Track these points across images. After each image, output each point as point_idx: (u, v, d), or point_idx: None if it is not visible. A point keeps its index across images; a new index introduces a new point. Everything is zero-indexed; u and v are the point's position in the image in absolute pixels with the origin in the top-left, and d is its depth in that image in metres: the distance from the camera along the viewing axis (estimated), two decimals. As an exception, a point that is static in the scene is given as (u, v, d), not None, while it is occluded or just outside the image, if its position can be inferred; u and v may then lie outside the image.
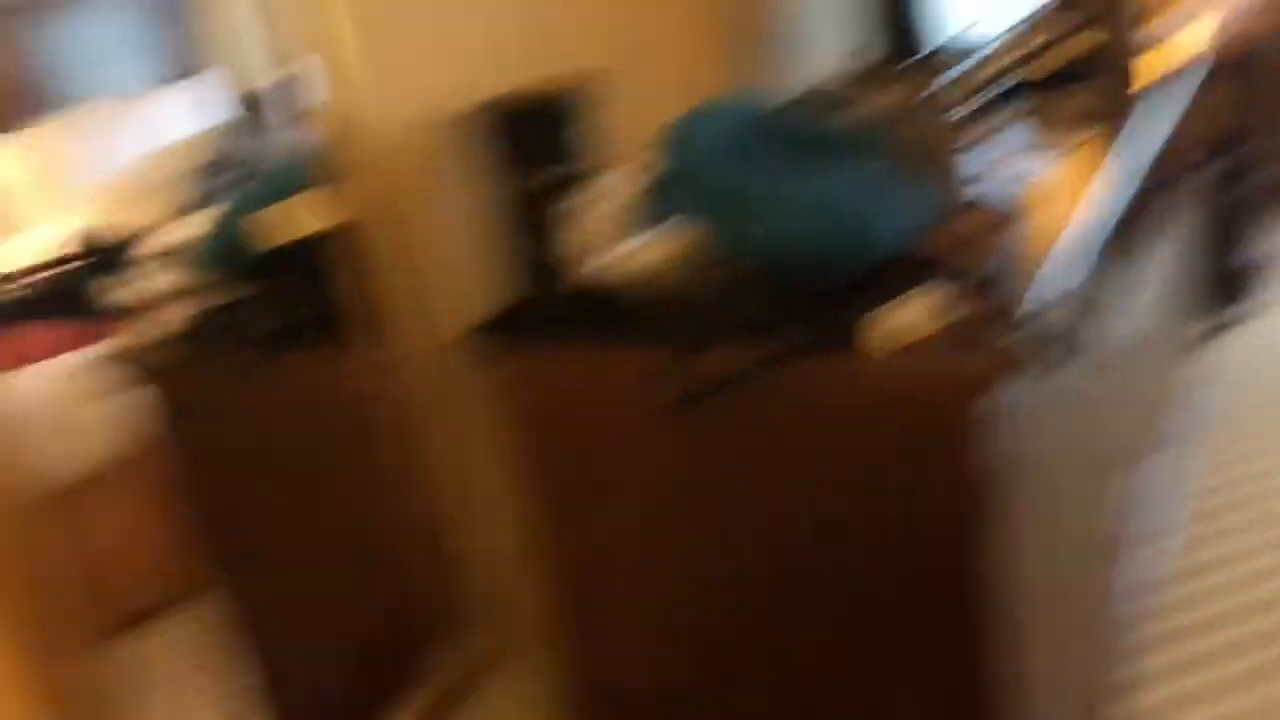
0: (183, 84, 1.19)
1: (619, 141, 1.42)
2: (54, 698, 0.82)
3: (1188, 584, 2.24)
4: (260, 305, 1.22)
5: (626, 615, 1.41)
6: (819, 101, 1.39)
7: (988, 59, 2.15)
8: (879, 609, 1.21)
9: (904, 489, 1.14)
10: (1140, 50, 2.09)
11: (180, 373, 1.19)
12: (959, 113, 1.30)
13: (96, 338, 1.11)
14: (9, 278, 1.03)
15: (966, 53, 2.00)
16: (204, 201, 1.19)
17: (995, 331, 1.10)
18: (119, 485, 1.12)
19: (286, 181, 1.24)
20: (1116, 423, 1.83)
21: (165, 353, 1.16)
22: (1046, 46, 2.13)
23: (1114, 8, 2.09)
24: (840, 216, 1.16)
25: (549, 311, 1.32)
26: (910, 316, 1.12)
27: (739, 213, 1.16)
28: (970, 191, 1.29)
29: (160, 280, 1.18)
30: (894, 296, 1.15)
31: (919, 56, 1.85)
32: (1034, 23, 2.26)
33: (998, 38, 2.22)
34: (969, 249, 1.27)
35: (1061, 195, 1.50)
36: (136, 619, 1.10)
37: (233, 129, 1.24)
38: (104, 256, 1.14)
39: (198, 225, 1.18)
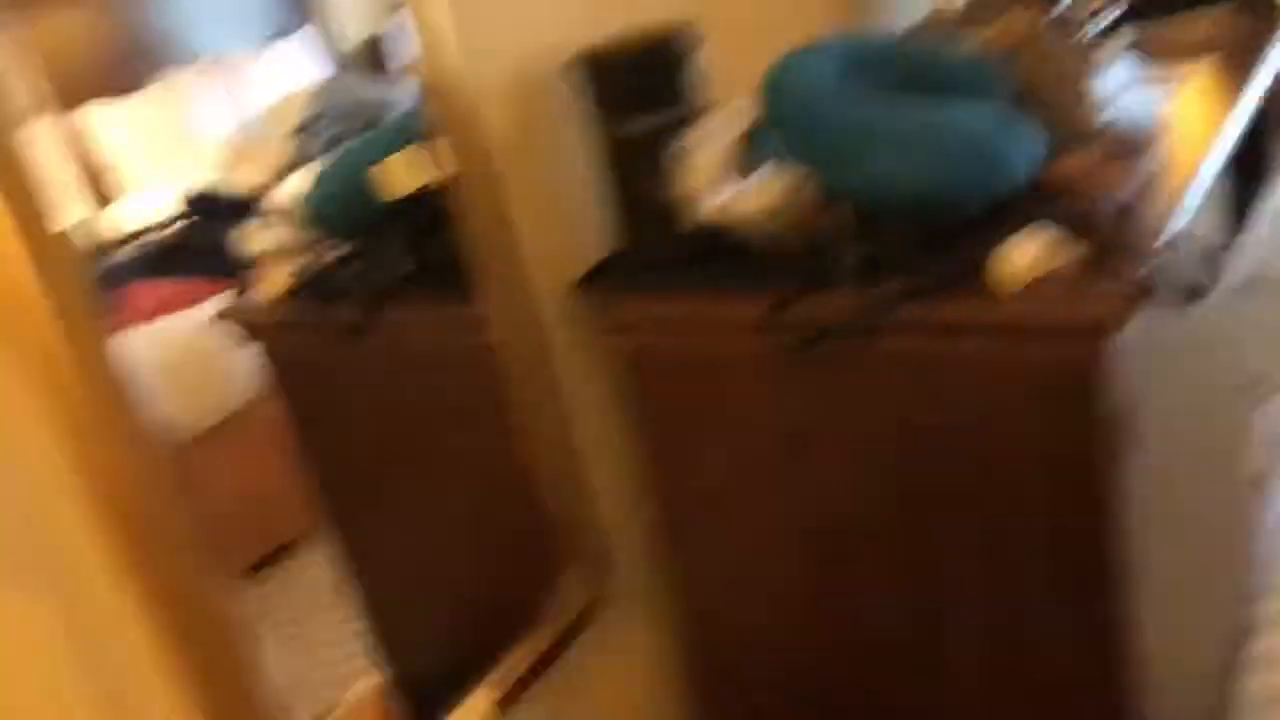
0: (290, 39, 1.20)
1: (724, 84, 1.40)
2: (181, 639, 0.85)
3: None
4: (370, 259, 1.24)
5: (737, 559, 1.41)
6: (933, 33, 1.35)
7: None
8: (1008, 550, 1.20)
9: (1036, 426, 1.12)
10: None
11: (294, 327, 1.21)
12: (1080, 39, 1.25)
13: (211, 294, 1.13)
14: (125, 238, 1.06)
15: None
16: (313, 157, 1.20)
17: (1126, 264, 1.07)
18: (237, 437, 1.15)
19: (394, 135, 1.24)
20: (1249, 356, 1.77)
21: (279, 308, 1.19)
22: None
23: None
24: (973, 148, 1.13)
25: (659, 257, 1.32)
26: (1038, 251, 1.09)
27: (855, 150, 1.13)
28: (1099, 120, 1.24)
29: (272, 236, 1.20)
30: (1021, 230, 1.12)
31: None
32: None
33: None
34: (1096, 180, 1.23)
35: (1184, 126, 1.45)
36: (256, 565, 1.13)
37: (340, 83, 1.25)
38: (216, 214, 1.16)
39: (307, 181, 1.20)
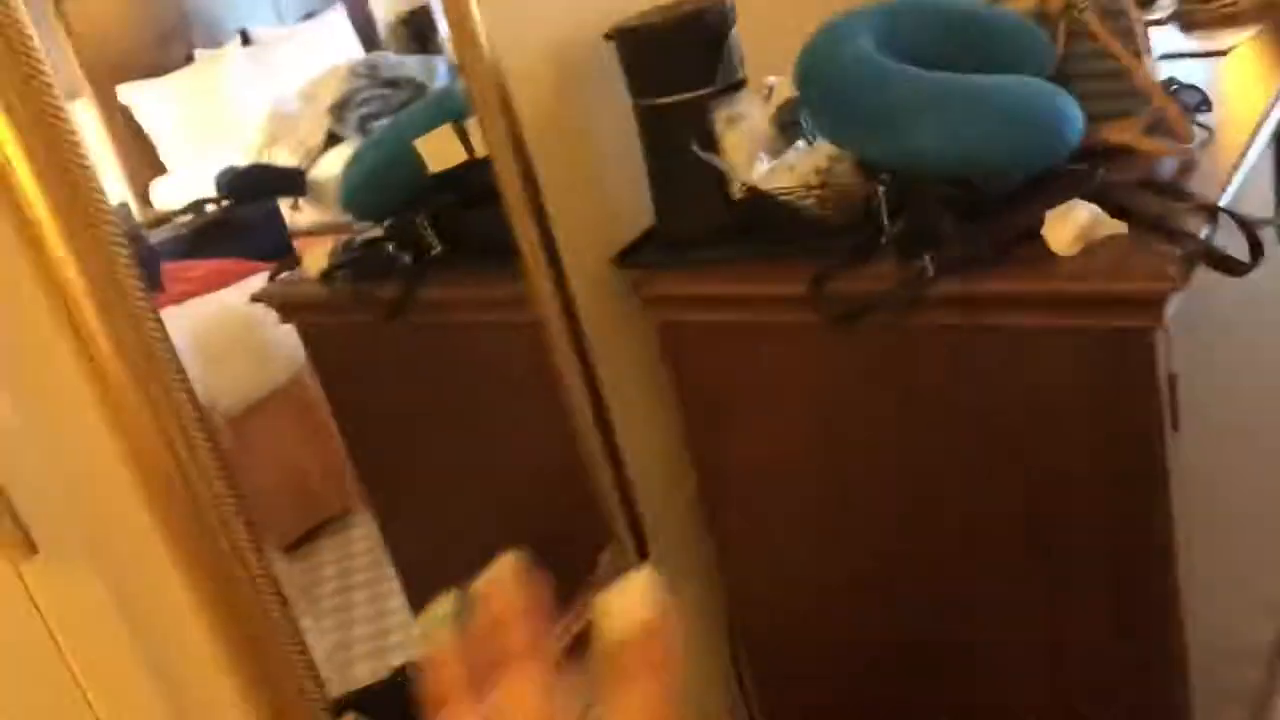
0: (325, 16, 1.20)
1: (761, 58, 1.38)
2: (226, 610, 0.86)
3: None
4: (407, 236, 1.24)
5: (777, 535, 1.40)
6: (973, 1, 1.32)
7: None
8: (1054, 525, 1.18)
9: (1085, 400, 1.10)
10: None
11: (332, 305, 1.22)
12: (1123, 7, 1.22)
13: (249, 273, 1.13)
14: (164, 217, 1.06)
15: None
16: (350, 134, 1.20)
17: (1174, 235, 1.05)
18: (276, 415, 1.15)
19: (432, 112, 1.24)
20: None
21: (317, 286, 1.19)
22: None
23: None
24: (1026, 115, 1.10)
25: (697, 232, 1.31)
26: (1085, 221, 1.07)
27: (898, 121, 1.12)
28: (1144, 89, 1.22)
29: (309, 214, 1.21)
30: (1067, 200, 1.10)
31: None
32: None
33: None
34: (1143, 150, 1.21)
35: (1230, 95, 1.42)
36: (297, 541, 1.14)
37: (376, 60, 1.24)
38: (253, 193, 1.16)
39: (344, 158, 1.20)
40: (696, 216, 1.30)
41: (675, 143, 1.26)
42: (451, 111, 1.20)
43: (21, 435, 0.78)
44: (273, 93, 1.17)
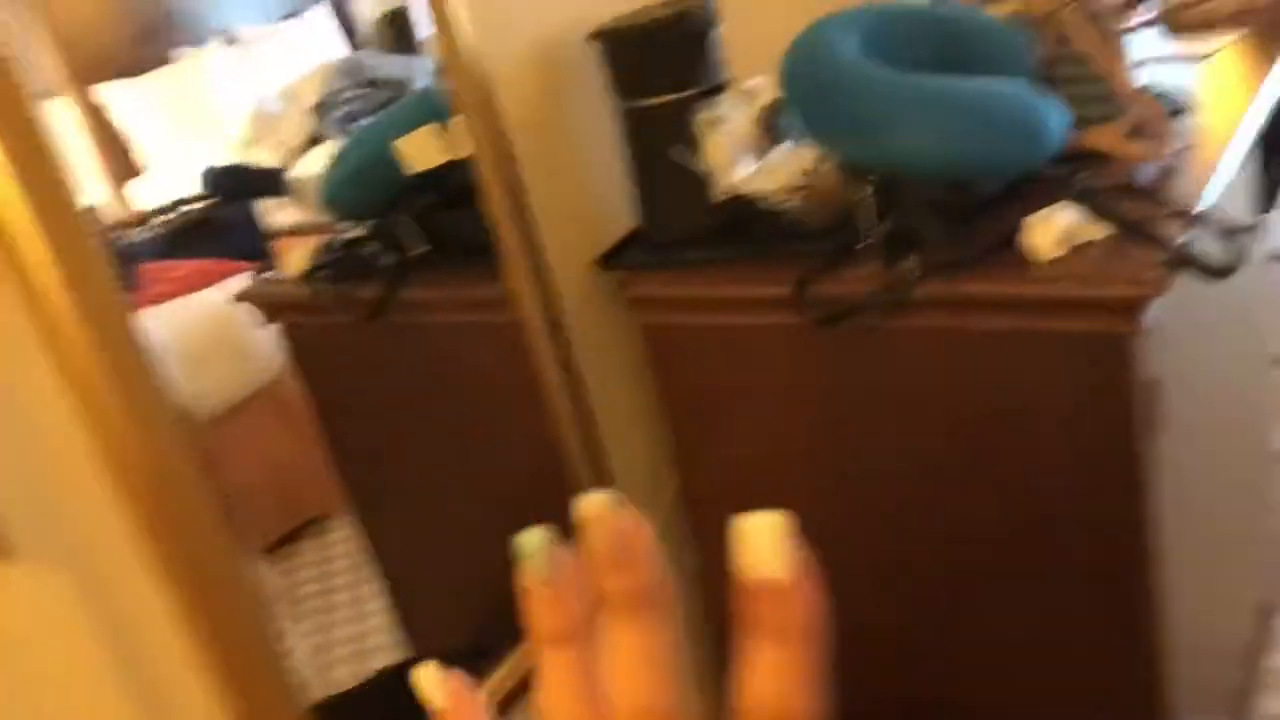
0: (308, 15, 1.20)
1: (745, 59, 1.38)
2: (204, 613, 0.85)
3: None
4: (390, 236, 1.23)
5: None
6: (958, 4, 1.33)
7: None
8: (1038, 525, 1.19)
9: (1067, 402, 1.11)
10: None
11: (314, 305, 1.21)
12: (1107, 12, 1.23)
13: (231, 273, 1.13)
14: (145, 216, 1.06)
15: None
16: (333, 133, 1.20)
17: (1156, 239, 1.05)
18: (258, 416, 1.15)
19: (414, 112, 1.24)
20: (1272, 331, 1.75)
21: (299, 286, 1.18)
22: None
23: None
24: (1011, 117, 1.11)
25: (682, 233, 1.31)
26: (1068, 224, 1.08)
27: (883, 123, 1.12)
28: (1126, 94, 1.22)
29: (292, 214, 1.20)
30: (1050, 204, 1.11)
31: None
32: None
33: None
34: (1125, 154, 1.21)
35: (1212, 101, 1.42)
36: (279, 542, 1.14)
37: (359, 59, 1.24)
38: (235, 192, 1.16)
39: (327, 158, 1.19)
40: (680, 218, 1.30)
41: (658, 145, 1.26)
42: (434, 111, 1.20)
43: (-3, 437, 0.78)
44: (255, 92, 1.17)
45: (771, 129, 1.29)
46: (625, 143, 1.30)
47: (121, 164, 1.05)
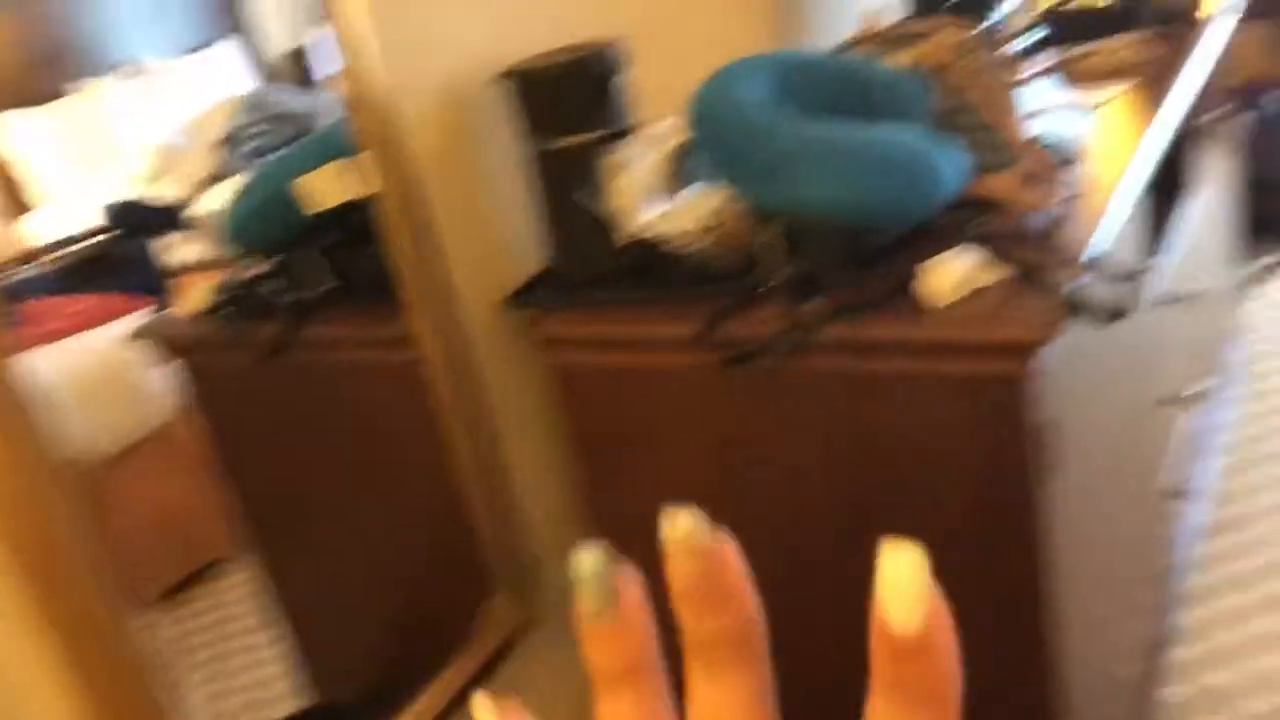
0: (215, 48, 1.18)
1: (654, 101, 1.40)
2: (90, 671, 0.82)
3: (1230, 536, 2.22)
4: (293, 274, 1.22)
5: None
6: (860, 52, 1.36)
7: (1018, 8, 2.11)
8: (939, 564, 1.20)
9: (964, 443, 1.13)
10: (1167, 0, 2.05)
11: (215, 344, 1.19)
12: (1004, 61, 1.27)
13: (130, 310, 1.10)
14: (40, 250, 1.03)
15: (996, 2, 1.97)
16: (239, 169, 1.18)
17: (1050, 283, 1.08)
18: (155, 457, 1.12)
19: (319, 148, 1.22)
20: (1162, 372, 1.81)
21: (200, 324, 1.16)
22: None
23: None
24: (906, 165, 1.13)
25: (590, 273, 1.31)
26: (965, 269, 1.10)
27: (786, 168, 1.14)
28: (1023, 141, 1.26)
29: (194, 250, 1.18)
30: (948, 248, 1.13)
31: (957, 3, 1.82)
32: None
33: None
34: (1021, 200, 1.25)
35: (1104, 148, 1.48)
36: (177, 587, 1.11)
37: (267, 94, 1.22)
38: (137, 227, 1.13)
39: (231, 193, 1.18)
40: (589, 258, 1.30)
41: (566, 186, 1.27)
42: (340, 148, 1.19)
43: None
44: (159, 125, 1.15)
45: (680, 172, 1.31)
46: (534, 183, 1.31)
47: (18, 196, 1.03)
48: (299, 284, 1.22)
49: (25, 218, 1.03)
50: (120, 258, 1.10)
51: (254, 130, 1.21)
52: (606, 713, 0.28)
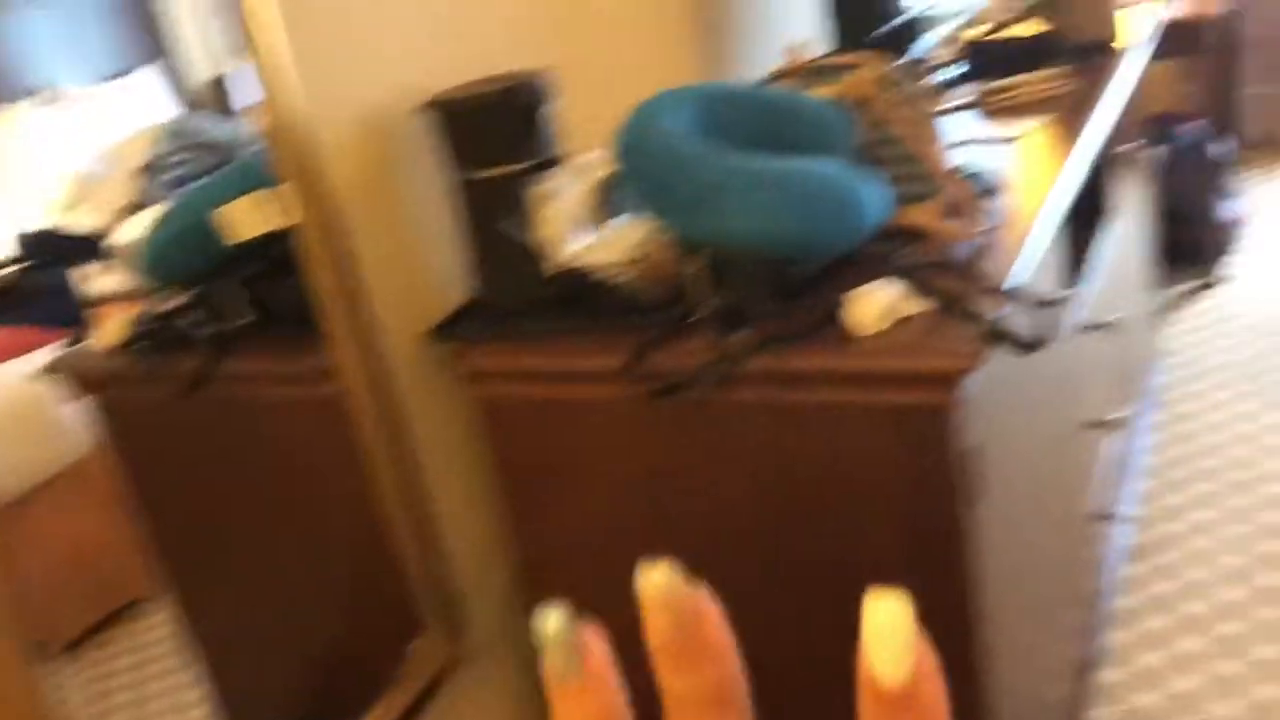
0: (136, 75, 1.16)
1: (582, 132, 1.40)
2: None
3: (1152, 559, 2.26)
4: (212, 306, 1.19)
5: (599, 611, 1.39)
6: (784, 85, 1.37)
7: (940, 43, 2.15)
8: (861, 589, 1.21)
9: (890, 472, 1.14)
10: (1084, 34, 2.11)
11: (131, 378, 1.16)
12: (925, 95, 1.29)
13: (44, 343, 1.07)
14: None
15: (918, 36, 2.00)
16: (159, 198, 1.16)
17: (972, 314, 1.10)
18: (69, 495, 1.09)
19: (240, 178, 1.20)
20: (1085, 398, 1.84)
21: (115, 358, 1.13)
22: (995, 31, 2.14)
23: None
24: (830, 197, 1.14)
25: (516, 304, 1.30)
26: (888, 300, 1.11)
27: (711, 200, 1.14)
28: (943, 173, 1.28)
29: (110, 281, 1.15)
30: (872, 280, 1.14)
31: (880, 37, 1.85)
32: (979, 10, 2.27)
33: (947, 21, 2.22)
34: (942, 232, 1.27)
35: (1023, 180, 1.50)
36: (92, 630, 1.07)
37: (189, 122, 1.20)
38: (53, 257, 1.10)
39: (148, 224, 1.15)
40: (516, 290, 1.29)
41: (492, 216, 1.26)
42: (261, 178, 1.17)
43: None
44: (77, 152, 1.12)
45: (607, 203, 1.31)
46: (460, 213, 1.30)
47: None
48: (218, 316, 1.20)
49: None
50: (34, 289, 1.07)
51: (175, 159, 1.18)
52: None
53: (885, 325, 1.11)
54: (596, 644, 0.28)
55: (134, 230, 1.14)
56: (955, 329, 1.09)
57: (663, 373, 1.18)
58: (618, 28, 1.72)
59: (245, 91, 1.17)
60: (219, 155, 1.22)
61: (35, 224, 1.08)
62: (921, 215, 1.27)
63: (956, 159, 1.37)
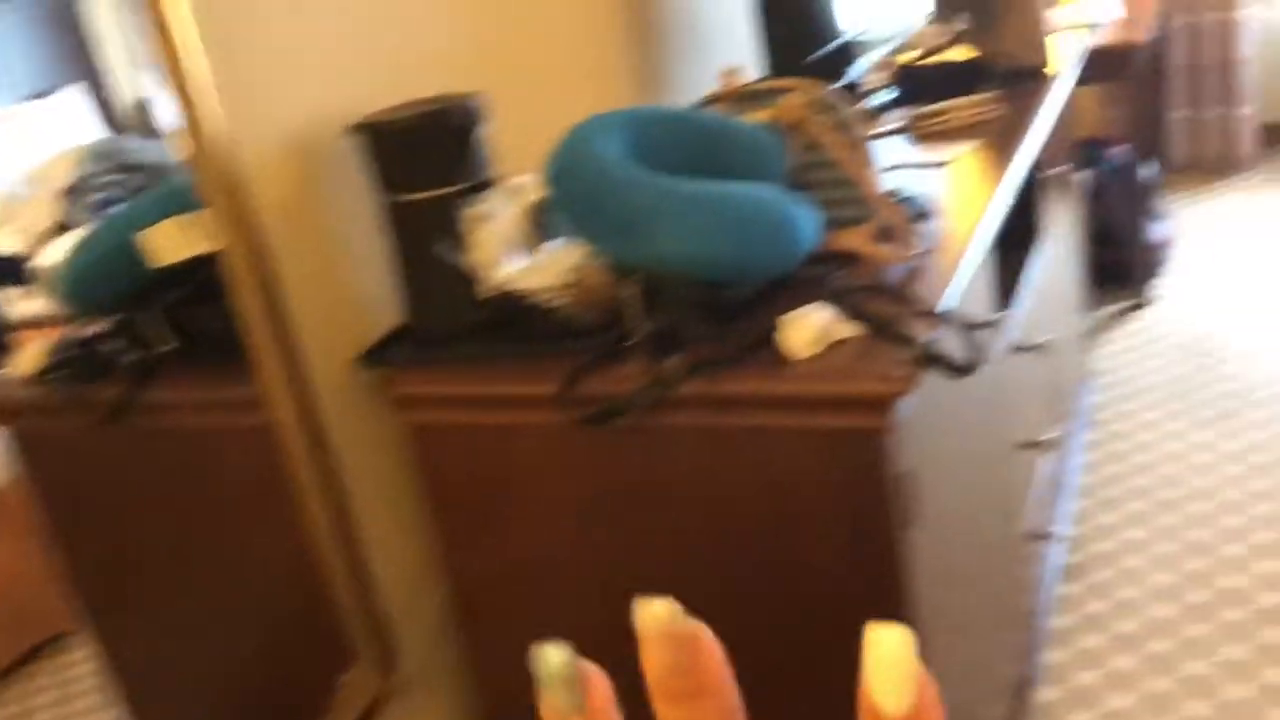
0: (60, 95, 1.13)
1: (514, 156, 1.39)
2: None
3: (1086, 578, 2.28)
4: (134, 333, 1.16)
5: (534, 638, 1.37)
6: (716, 110, 1.37)
7: (872, 68, 2.18)
8: (803, 615, 1.20)
9: (825, 495, 1.13)
10: (1014, 60, 2.14)
11: (49, 407, 1.12)
12: (856, 120, 1.30)
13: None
14: None
15: (852, 61, 2.02)
16: (83, 220, 1.13)
17: (904, 338, 1.10)
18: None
19: (164, 201, 1.18)
20: (1019, 419, 1.86)
21: (32, 386, 1.10)
22: (926, 56, 2.17)
23: (987, 21, 2.14)
24: (763, 221, 1.14)
25: (448, 330, 1.28)
26: (821, 324, 1.11)
27: (644, 224, 1.13)
28: (874, 198, 1.29)
29: (28, 307, 1.12)
30: (805, 304, 1.14)
31: (813, 62, 1.87)
32: (911, 35, 2.30)
33: (880, 46, 2.25)
34: (874, 256, 1.27)
35: (954, 205, 1.52)
36: (13, 665, 1.04)
37: (115, 144, 1.17)
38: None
39: (68, 248, 1.12)
40: (447, 314, 1.28)
41: (423, 239, 1.24)
42: (185, 201, 1.14)
43: None
44: (1, 172, 1.09)
45: (541, 226, 1.30)
46: (390, 237, 1.28)
47: None
48: (141, 343, 1.17)
49: None
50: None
51: (101, 180, 1.16)
52: None
53: (819, 349, 1.11)
54: (598, 681, 0.28)
55: (56, 253, 1.11)
56: (888, 353, 1.10)
57: (596, 398, 1.16)
58: (550, 51, 1.71)
59: (170, 113, 1.14)
60: (146, 178, 1.19)
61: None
62: (855, 239, 1.28)
63: (890, 182, 1.38)
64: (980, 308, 1.52)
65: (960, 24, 2.16)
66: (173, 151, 1.19)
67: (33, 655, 1.08)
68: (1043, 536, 2.04)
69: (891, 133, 1.89)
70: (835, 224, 1.28)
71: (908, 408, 1.10)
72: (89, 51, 1.14)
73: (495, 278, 1.24)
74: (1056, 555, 2.24)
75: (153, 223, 1.15)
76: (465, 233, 1.24)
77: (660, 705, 0.28)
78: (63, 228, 1.12)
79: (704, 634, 0.28)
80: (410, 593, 1.39)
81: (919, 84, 2.04)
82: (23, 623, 1.08)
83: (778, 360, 1.12)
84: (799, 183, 1.30)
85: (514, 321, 1.25)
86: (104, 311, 1.17)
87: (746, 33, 2.10)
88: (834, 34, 1.98)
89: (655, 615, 0.27)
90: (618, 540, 1.26)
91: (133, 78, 1.16)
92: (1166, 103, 4.57)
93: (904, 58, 2.18)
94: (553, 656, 0.27)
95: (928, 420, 1.22)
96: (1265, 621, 2.08)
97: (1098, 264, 3.32)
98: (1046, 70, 2.16)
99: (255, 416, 1.18)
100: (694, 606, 1.08)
